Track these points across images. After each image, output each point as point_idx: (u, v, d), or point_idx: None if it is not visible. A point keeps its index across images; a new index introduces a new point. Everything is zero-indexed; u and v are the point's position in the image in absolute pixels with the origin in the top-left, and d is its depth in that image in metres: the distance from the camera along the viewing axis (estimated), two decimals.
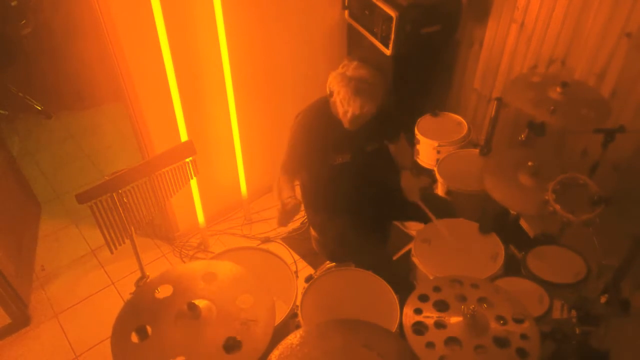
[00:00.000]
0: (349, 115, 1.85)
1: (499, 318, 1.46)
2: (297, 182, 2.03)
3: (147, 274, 1.95)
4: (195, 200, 2.74)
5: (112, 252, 1.84)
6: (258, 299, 1.51)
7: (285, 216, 1.79)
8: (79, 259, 2.88)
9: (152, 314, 1.50)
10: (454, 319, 1.47)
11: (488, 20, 2.75)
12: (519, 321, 1.45)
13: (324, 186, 2.05)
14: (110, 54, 2.26)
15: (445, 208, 2.16)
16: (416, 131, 2.71)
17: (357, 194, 2.10)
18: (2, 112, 3.84)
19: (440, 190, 2.51)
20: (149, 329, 1.48)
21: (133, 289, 1.86)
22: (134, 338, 1.48)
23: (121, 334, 1.45)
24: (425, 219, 2.10)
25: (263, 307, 1.48)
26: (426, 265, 1.92)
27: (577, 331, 1.64)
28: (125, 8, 2.14)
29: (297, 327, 1.79)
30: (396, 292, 1.81)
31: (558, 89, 2.02)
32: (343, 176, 2.03)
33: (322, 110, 1.97)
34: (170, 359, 1.38)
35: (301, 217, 3.05)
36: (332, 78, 1.87)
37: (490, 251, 1.96)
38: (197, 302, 1.48)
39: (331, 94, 1.90)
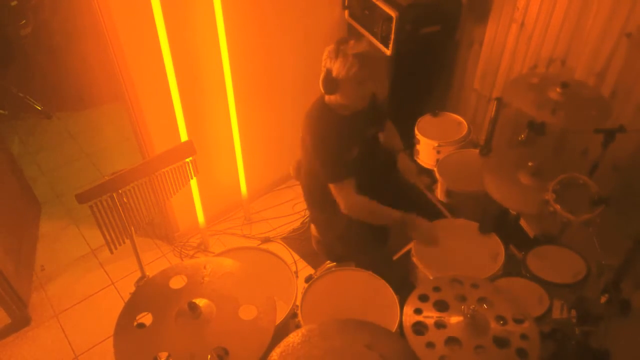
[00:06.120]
0: (366, 89, 1.85)
1: (499, 318, 1.47)
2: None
3: (147, 273, 1.95)
4: (195, 200, 2.74)
5: (112, 252, 1.84)
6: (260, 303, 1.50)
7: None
8: (79, 259, 2.88)
9: (159, 303, 1.51)
10: (454, 319, 1.47)
11: (488, 20, 2.75)
12: (519, 321, 1.45)
13: None
14: (110, 54, 2.25)
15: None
16: (416, 131, 2.71)
17: (363, 185, 2.09)
18: (2, 112, 3.84)
19: (440, 190, 2.51)
20: (148, 319, 1.48)
21: (133, 289, 1.86)
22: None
23: (129, 316, 1.46)
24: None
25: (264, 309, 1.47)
26: (426, 265, 1.92)
27: (577, 331, 1.64)
28: (125, 8, 2.14)
29: (297, 327, 1.78)
30: (396, 292, 1.81)
31: (558, 89, 2.02)
32: (354, 170, 2.02)
33: (326, 114, 1.94)
34: (157, 353, 1.39)
35: (302, 216, 3.06)
36: (336, 66, 1.80)
37: (490, 251, 1.96)
38: (198, 301, 1.48)
39: (332, 88, 1.84)
